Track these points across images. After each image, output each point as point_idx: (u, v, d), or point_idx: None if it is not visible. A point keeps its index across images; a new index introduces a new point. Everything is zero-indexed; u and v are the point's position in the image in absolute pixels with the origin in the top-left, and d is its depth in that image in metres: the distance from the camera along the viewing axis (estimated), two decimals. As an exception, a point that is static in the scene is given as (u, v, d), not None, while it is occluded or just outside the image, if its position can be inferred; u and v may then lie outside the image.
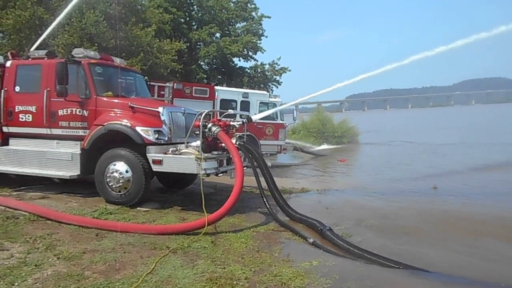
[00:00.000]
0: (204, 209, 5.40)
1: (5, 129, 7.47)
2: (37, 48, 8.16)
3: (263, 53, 26.64)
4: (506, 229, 6.10)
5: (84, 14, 14.43)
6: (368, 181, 11.07)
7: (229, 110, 8.06)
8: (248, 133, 7.97)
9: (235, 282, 3.66)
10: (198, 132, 6.26)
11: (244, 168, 6.10)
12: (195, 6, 26.01)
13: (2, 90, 7.38)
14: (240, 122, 7.06)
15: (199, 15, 26.08)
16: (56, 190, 7.22)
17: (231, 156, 6.16)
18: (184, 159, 6.16)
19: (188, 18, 25.81)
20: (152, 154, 6.32)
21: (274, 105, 14.76)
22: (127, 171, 6.34)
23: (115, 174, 6.36)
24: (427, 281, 3.99)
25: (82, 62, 6.91)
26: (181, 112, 7.08)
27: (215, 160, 6.30)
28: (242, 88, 19.94)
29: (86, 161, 6.72)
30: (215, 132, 6.24)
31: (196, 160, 6.00)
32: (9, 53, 7.91)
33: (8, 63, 7.47)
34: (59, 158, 6.88)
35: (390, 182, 11.12)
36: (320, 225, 5.39)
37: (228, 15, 25.61)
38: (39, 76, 7.12)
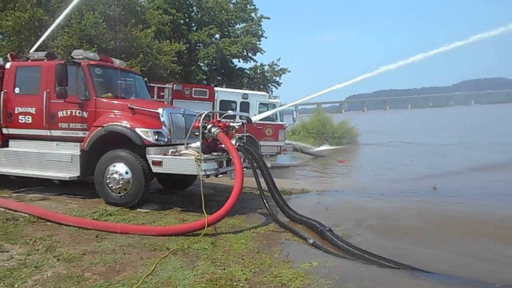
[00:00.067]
0: (204, 210, 5.40)
1: (4, 130, 7.46)
2: (36, 50, 8.14)
3: (262, 54, 26.72)
4: (506, 229, 6.10)
5: (84, 15, 14.44)
6: (367, 182, 11.07)
7: (228, 111, 8.05)
8: (247, 134, 7.97)
9: (235, 283, 3.67)
10: (197, 133, 6.26)
11: (244, 169, 6.10)
12: (194, 7, 26.03)
13: (2, 92, 7.37)
14: (240, 123, 7.06)
15: (199, 16, 26.11)
16: (56, 192, 7.23)
17: (231, 157, 6.16)
18: (184, 160, 6.16)
19: (187, 19, 25.82)
20: (152, 155, 6.32)
21: (274, 106, 14.76)
22: (127, 173, 6.34)
23: (115, 176, 6.36)
24: (427, 281, 3.99)
25: (82, 63, 6.91)
26: (180, 113, 7.08)
27: (215, 161, 6.30)
28: (241, 89, 19.92)
29: (85, 162, 6.72)
30: (215, 133, 6.24)
31: (196, 161, 6.00)
32: (8, 55, 7.90)
33: (8, 65, 7.46)
34: (59, 159, 6.88)
35: (389, 182, 11.13)
36: (320, 226, 5.39)
37: (227, 16, 25.65)
38: (39, 78, 7.11)
